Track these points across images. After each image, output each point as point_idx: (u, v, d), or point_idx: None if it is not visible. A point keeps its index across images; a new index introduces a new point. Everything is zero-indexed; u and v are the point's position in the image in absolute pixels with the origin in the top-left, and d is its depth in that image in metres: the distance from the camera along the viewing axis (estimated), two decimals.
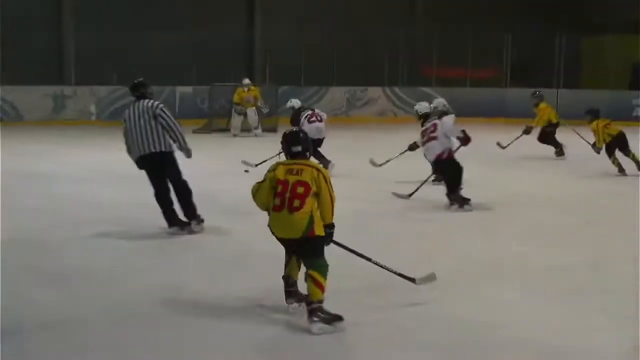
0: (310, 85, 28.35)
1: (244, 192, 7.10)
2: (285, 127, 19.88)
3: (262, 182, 6.46)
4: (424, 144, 11.86)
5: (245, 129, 22.76)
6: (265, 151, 14.91)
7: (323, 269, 6.24)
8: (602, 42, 31.77)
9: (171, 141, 9.54)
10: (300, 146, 6.51)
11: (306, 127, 14.21)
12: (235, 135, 22.55)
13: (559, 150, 18.25)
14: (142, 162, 9.60)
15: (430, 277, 7.14)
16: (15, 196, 11.91)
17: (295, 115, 15.63)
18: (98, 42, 26.33)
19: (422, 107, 13.40)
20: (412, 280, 7.05)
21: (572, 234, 9.83)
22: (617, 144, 15.12)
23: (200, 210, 9.66)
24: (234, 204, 11.20)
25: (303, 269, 6.43)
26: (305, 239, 6.24)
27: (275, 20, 29.94)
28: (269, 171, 6.46)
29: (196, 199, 9.67)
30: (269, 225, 6.46)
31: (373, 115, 29.56)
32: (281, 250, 6.58)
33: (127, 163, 9.94)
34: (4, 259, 8.02)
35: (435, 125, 11.74)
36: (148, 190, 9.64)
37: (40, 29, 26.56)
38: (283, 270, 6.65)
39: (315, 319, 6.13)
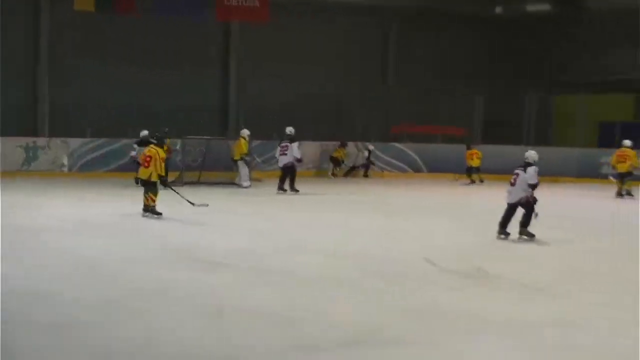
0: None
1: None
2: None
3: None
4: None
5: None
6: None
7: (153, 193, 15.08)
8: (572, 101, 32.25)
9: None
10: (156, 141, 15.67)
11: None
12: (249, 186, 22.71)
13: None
14: None
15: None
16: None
17: None
18: (72, 96, 26.48)
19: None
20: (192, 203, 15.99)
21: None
22: None
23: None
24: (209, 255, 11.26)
25: None
26: (148, 180, 15.10)
27: (250, 75, 30.21)
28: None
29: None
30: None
31: (344, 170, 29.71)
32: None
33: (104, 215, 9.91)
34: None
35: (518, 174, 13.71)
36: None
37: (15, 80, 26.64)
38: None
39: (148, 212, 15.02)
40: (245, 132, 23.48)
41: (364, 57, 33.16)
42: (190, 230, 14.27)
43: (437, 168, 29.93)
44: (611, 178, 23.00)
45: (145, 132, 22.85)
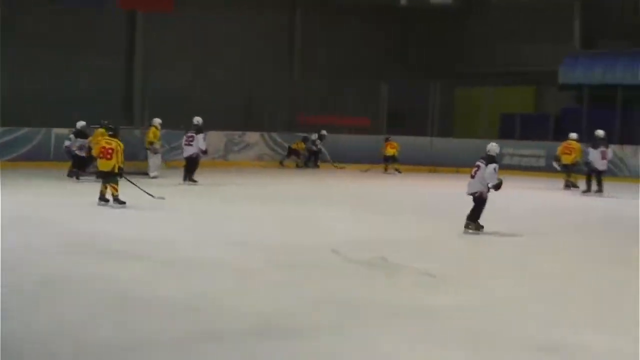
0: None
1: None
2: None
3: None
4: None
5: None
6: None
7: (115, 183, 15.55)
8: (474, 92, 32.83)
9: None
10: (112, 133, 16.19)
11: None
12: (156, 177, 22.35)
13: None
14: None
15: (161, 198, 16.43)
16: None
17: None
18: None
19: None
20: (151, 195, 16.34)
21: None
22: None
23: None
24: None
25: None
26: (111, 172, 15.52)
27: (155, 64, 29.89)
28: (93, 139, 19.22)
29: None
30: (96, 167, 16.57)
31: (251, 160, 29.68)
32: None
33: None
34: None
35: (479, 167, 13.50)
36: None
37: None
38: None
39: (115, 202, 15.48)
40: (157, 121, 23.12)
41: (270, 47, 33.07)
42: (98, 221, 14.12)
43: (341, 158, 30.08)
44: (555, 166, 23.64)
45: (82, 123, 22.39)
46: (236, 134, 29.83)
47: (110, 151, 15.66)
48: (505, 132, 31.53)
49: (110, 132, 16.43)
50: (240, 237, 12.71)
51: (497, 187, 13.36)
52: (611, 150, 22.20)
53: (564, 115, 30.99)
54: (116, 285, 8.87)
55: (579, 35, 31.86)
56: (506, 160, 29.54)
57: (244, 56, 31.73)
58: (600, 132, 21.90)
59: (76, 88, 27.38)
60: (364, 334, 7.31)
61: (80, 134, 22.00)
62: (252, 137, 30.13)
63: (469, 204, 13.59)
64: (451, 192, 21.58)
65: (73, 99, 26.83)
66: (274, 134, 30.53)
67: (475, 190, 13.49)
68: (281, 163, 29.52)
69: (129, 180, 16.43)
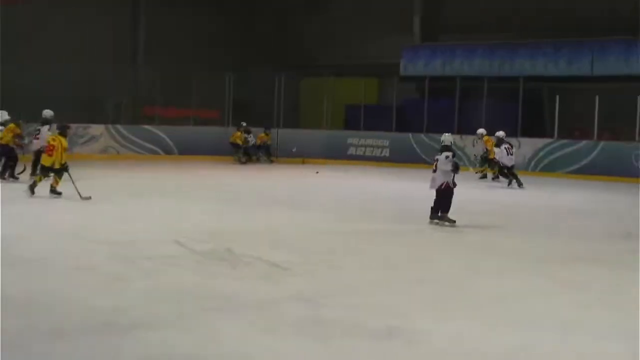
0: (32, 122, 27.52)
1: None
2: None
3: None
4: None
5: None
6: None
7: (59, 177, 16.41)
8: (319, 84, 33.30)
9: None
10: (59, 131, 16.90)
11: None
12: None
13: None
14: None
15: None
16: None
17: None
18: None
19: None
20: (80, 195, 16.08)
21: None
22: None
23: None
24: None
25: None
26: (51, 167, 16.34)
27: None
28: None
29: None
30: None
31: (95, 153, 29.19)
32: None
33: None
34: None
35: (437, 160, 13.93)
36: None
37: None
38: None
39: (51, 192, 16.26)
40: (49, 113, 21.95)
41: (114, 37, 32.68)
42: None
43: (188, 150, 30.06)
44: (478, 167, 24.96)
45: (6, 117, 21.32)
46: (81, 126, 29.24)
47: (52, 147, 16.64)
48: (350, 123, 32.17)
49: (58, 131, 17.17)
50: (81, 231, 12.51)
51: (456, 168, 13.80)
52: (513, 146, 23.33)
53: (406, 106, 31.81)
54: None
55: (419, 29, 32.81)
56: (351, 151, 30.21)
57: (88, 47, 31.17)
58: (500, 133, 22.81)
59: None
60: (204, 326, 7.36)
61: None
62: (97, 129, 29.64)
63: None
64: (303, 183, 21.93)
65: None
66: (119, 126, 30.13)
67: (441, 183, 13.81)
68: (239, 161, 29.67)
69: (70, 176, 16.58)
